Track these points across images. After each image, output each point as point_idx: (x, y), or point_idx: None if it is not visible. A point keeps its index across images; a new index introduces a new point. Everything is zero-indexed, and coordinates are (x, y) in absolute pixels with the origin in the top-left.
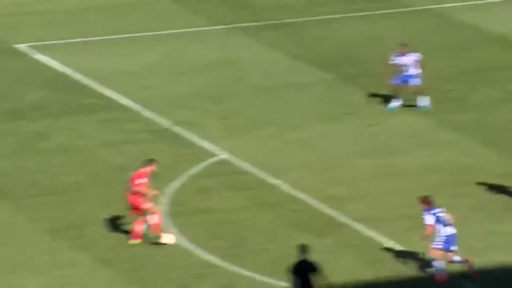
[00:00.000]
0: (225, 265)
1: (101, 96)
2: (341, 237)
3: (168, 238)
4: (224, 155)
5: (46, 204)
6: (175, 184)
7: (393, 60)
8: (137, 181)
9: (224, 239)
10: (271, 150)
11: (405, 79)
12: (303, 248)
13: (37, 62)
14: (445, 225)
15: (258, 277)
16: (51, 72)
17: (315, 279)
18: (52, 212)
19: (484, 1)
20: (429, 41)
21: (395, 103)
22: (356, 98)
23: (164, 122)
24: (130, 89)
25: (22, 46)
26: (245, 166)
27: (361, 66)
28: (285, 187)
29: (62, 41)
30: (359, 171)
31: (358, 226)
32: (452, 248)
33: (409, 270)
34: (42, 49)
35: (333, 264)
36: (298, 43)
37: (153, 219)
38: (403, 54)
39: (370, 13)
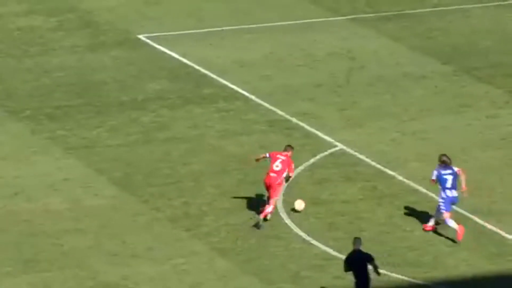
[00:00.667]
0: (342, 256)
1: (219, 86)
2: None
3: (299, 205)
4: (341, 146)
5: (166, 193)
6: (292, 175)
7: None
8: (279, 164)
9: (340, 230)
10: (389, 141)
11: None
12: (358, 241)
13: (157, 52)
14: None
15: None
16: (171, 63)
17: (370, 269)
18: (172, 201)
19: None
20: None
21: None
22: (475, 89)
23: (281, 113)
24: (248, 80)
25: (144, 36)
26: (362, 157)
27: (482, 58)
28: (402, 179)
29: (181, 32)
30: (478, 163)
31: (477, 219)
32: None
33: None
34: (162, 40)
35: (452, 257)
36: (418, 34)
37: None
38: None
39: (492, 4)
